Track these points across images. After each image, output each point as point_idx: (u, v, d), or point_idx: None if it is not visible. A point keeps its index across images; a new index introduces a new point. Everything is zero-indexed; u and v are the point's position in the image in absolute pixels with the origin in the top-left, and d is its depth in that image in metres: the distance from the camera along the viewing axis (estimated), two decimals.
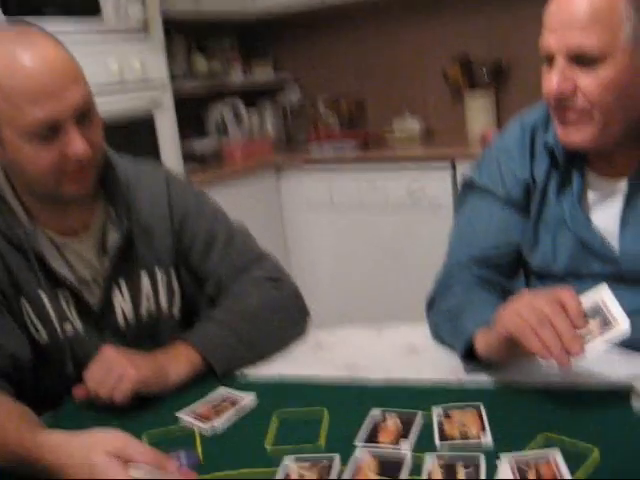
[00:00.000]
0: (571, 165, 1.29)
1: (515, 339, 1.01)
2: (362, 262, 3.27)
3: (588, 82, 1.15)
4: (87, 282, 1.27)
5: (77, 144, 1.13)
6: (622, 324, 0.97)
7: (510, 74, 3.39)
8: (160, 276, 1.34)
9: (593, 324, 0.99)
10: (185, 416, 1.09)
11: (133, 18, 2.67)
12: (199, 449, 1.01)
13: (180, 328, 1.38)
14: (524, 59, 3.30)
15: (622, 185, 1.26)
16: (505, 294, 1.35)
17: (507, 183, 1.36)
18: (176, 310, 1.37)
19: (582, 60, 1.15)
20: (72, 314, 1.24)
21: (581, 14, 1.13)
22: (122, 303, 1.30)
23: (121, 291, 1.30)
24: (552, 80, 1.17)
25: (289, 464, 0.93)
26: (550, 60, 1.19)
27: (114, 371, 1.11)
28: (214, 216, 1.42)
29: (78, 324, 1.25)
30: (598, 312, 1.00)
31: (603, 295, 1.01)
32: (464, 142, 3.22)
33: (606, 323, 0.99)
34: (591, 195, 1.29)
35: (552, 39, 1.17)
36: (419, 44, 3.63)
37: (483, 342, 1.11)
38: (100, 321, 1.27)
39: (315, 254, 3.43)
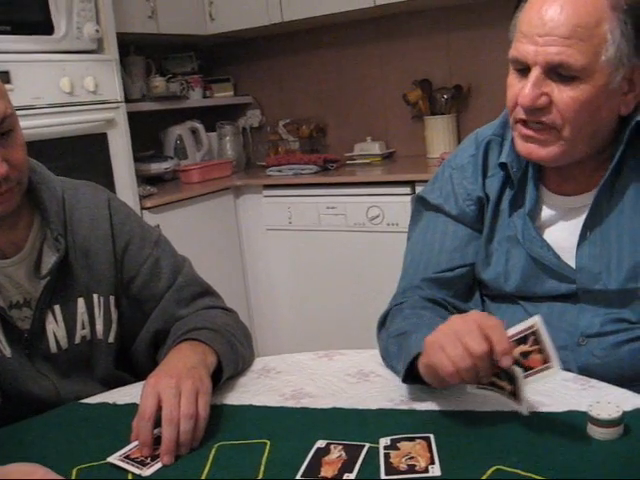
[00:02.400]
0: (525, 182, 1.27)
1: (439, 374, 0.98)
2: (321, 285, 3.23)
3: (564, 97, 1.11)
4: (19, 306, 1.20)
5: None
6: (555, 366, 0.94)
7: (470, 99, 3.40)
8: (98, 303, 1.28)
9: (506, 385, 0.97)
10: (117, 461, 0.99)
11: (87, 37, 2.62)
12: None
13: (114, 355, 1.31)
14: (484, 84, 3.32)
15: (577, 202, 1.24)
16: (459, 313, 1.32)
17: (460, 200, 1.33)
18: (112, 337, 1.31)
19: (560, 75, 1.11)
20: (0, 339, 1.17)
21: (566, 28, 1.08)
22: (55, 329, 1.23)
23: (55, 316, 1.23)
24: (525, 91, 1.13)
25: None
26: (522, 69, 1.15)
27: None
28: (158, 244, 1.36)
29: (7, 349, 1.17)
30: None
31: (538, 326, 0.95)
32: (424, 166, 3.20)
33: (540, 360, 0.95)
34: (545, 212, 1.27)
35: (530, 49, 1.12)
36: (381, 69, 3.63)
37: (422, 365, 1.06)
38: (31, 346, 1.20)
39: (274, 277, 3.38)
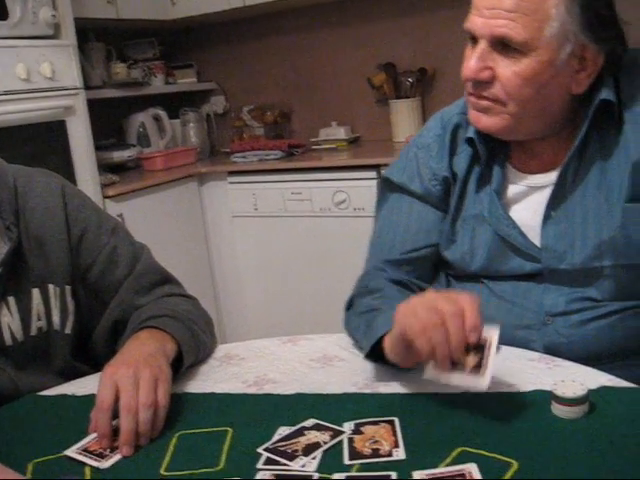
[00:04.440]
0: (492, 160, 1.26)
1: (409, 338, 0.95)
2: (288, 271, 3.21)
3: (507, 72, 1.12)
4: None
5: None
6: (484, 381, 0.93)
7: (435, 82, 3.39)
8: (53, 293, 1.24)
9: (470, 359, 0.95)
10: (75, 454, 0.95)
11: (43, 23, 2.55)
12: (88, 474, 0.91)
13: (72, 346, 1.28)
14: (449, 67, 3.30)
15: (541, 180, 1.23)
16: None
17: (425, 180, 1.32)
18: (69, 328, 1.27)
19: (505, 49, 1.12)
20: None
21: (511, 1, 1.09)
22: (9, 321, 1.19)
23: (9, 308, 1.19)
24: (470, 63, 1.14)
25: None
26: (474, 40, 1.16)
27: None
28: (115, 232, 1.33)
29: None
30: (479, 349, 0.95)
31: (492, 337, 0.95)
32: (390, 150, 3.19)
33: (479, 366, 0.94)
34: (510, 190, 1.26)
35: (478, 21, 1.13)
36: (345, 53, 3.61)
37: (388, 341, 1.04)
38: None
39: (240, 264, 3.35)
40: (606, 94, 1.15)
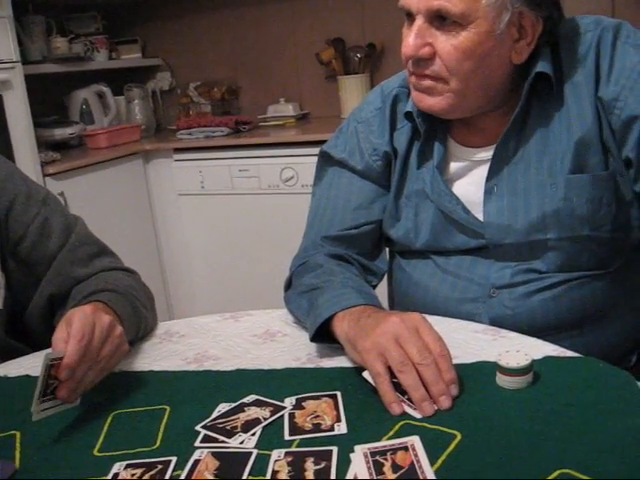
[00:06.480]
0: (433, 134, 1.24)
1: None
2: (236, 249, 3.17)
3: (447, 46, 1.09)
4: None
5: None
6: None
7: (384, 58, 3.37)
8: None
9: None
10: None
11: None
12: (17, 457, 0.87)
13: (5, 323, 1.23)
14: (398, 43, 3.24)
15: (484, 154, 1.21)
16: (365, 270, 1.29)
17: (366, 155, 1.29)
18: (0, 304, 1.22)
19: (442, 23, 1.08)
20: None
21: None
22: None
23: None
24: (409, 41, 1.11)
25: (119, 471, 0.81)
26: (410, 18, 1.12)
27: None
28: (46, 203, 1.27)
29: None
30: None
31: None
32: (339, 126, 3.14)
33: None
34: (453, 165, 1.24)
35: None
36: (293, 28, 3.55)
37: (342, 334, 1.01)
38: None
39: (187, 244, 3.29)
40: (542, 66, 1.12)
